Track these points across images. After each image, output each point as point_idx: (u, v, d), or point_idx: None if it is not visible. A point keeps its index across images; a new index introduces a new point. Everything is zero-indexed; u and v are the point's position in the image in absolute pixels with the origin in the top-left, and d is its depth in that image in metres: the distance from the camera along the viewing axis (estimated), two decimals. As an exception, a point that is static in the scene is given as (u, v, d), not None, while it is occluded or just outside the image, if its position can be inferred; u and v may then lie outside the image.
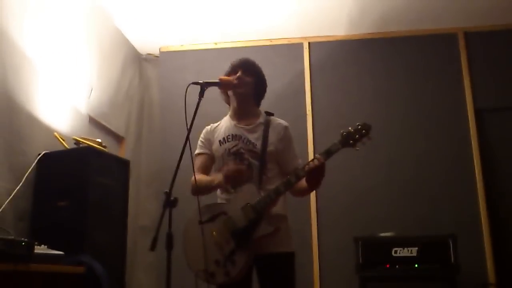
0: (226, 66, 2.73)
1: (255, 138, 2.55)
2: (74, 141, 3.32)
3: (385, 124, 4.46)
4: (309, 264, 4.27)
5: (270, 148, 2.53)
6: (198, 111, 2.33)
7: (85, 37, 3.90)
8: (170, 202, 2.18)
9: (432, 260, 3.70)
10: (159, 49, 4.88)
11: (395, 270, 3.80)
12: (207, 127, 2.73)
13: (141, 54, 5.03)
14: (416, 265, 3.71)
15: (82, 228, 3.00)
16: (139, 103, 4.66)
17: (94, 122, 4.01)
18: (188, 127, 2.29)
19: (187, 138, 2.29)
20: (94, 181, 3.16)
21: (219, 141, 2.60)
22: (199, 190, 2.40)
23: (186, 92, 2.24)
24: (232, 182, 2.44)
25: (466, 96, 4.47)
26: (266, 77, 2.76)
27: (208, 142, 2.66)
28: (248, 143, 2.54)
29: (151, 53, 5.02)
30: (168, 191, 2.20)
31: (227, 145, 2.57)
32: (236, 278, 2.31)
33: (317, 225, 4.34)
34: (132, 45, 4.84)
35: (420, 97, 4.53)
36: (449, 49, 4.59)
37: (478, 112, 4.45)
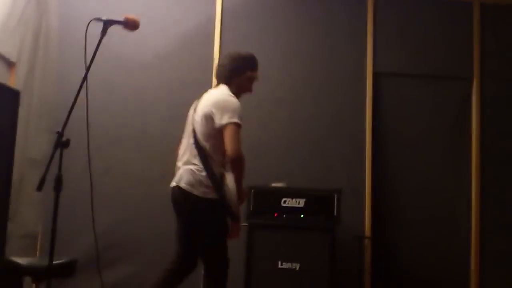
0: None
1: None
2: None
3: (291, 79, 4.57)
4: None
5: None
6: (99, 49, 2.24)
7: None
8: (61, 143, 2.12)
9: (317, 212, 3.91)
10: (61, -29, 4.53)
11: (282, 219, 4.00)
12: (238, 102, 2.89)
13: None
14: (301, 216, 3.91)
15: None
16: (35, 29, 4.33)
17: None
18: (87, 66, 2.20)
19: (85, 77, 2.20)
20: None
21: None
22: (242, 171, 2.88)
23: (87, 29, 2.13)
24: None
25: (367, 59, 4.64)
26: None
27: None
28: None
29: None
30: (60, 131, 2.13)
31: None
32: None
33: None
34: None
35: (326, 56, 4.63)
36: (357, 10, 4.68)
37: (376, 76, 4.65)
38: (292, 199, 3.95)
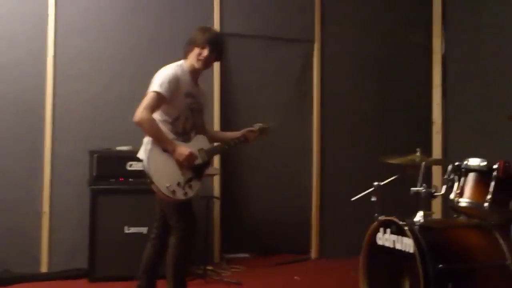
0: None
1: (201, 98, 3.14)
2: None
3: (134, 36, 4.39)
4: (39, 175, 4.10)
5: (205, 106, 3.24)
6: None
7: None
8: None
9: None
10: None
11: (127, 183, 3.91)
12: (177, 73, 2.97)
13: None
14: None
15: None
16: None
17: None
18: None
19: None
20: None
21: (184, 93, 2.99)
22: (152, 133, 2.90)
23: None
24: (185, 164, 2.91)
25: (214, 19, 4.60)
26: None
27: (173, 89, 2.93)
28: (198, 103, 3.11)
29: None
30: None
31: (188, 100, 3.01)
32: (190, 198, 2.96)
33: (52, 136, 4.14)
34: None
35: (171, 13, 4.49)
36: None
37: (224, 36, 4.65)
38: (138, 162, 3.85)
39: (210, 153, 3.11)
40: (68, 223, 4.10)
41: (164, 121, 2.97)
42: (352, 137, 4.92)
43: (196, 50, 3.02)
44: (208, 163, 3.10)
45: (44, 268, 4.06)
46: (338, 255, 4.58)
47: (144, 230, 3.83)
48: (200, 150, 3.03)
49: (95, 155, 3.90)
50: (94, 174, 3.88)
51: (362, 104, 4.98)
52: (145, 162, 2.89)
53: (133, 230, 3.88)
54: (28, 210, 4.07)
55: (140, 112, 2.85)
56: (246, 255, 4.65)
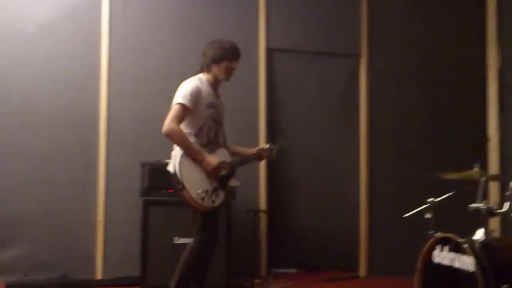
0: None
1: (221, 110, 3.27)
2: None
3: (181, 53, 4.46)
4: (94, 186, 4.22)
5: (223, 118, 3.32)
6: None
7: None
8: None
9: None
10: None
11: (176, 194, 3.94)
12: (198, 85, 3.10)
13: None
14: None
15: None
16: None
17: None
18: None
19: None
20: None
21: (206, 104, 3.11)
22: (180, 143, 3.01)
23: None
24: (212, 174, 3.05)
25: (260, 35, 4.64)
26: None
27: (196, 100, 3.06)
28: (220, 115, 3.23)
29: None
30: None
31: (210, 111, 3.13)
32: (217, 206, 3.08)
33: (106, 148, 4.26)
34: None
35: (218, 31, 4.57)
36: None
37: (269, 51, 4.68)
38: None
39: (232, 165, 3.20)
40: (121, 232, 4.21)
41: (188, 134, 3.07)
42: (401, 153, 4.79)
43: (225, 64, 3.18)
44: (231, 174, 3.20)
45: (99, 275, 4.17)
46: (388, 274, 4.47)
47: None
48: (223, 162, 3.13)
49: (147, 167, 3.97)
50: (146, 185, 3.95)
51: (411, 119, 4.85)
52: (176, 170, 2.99)
53: (182, 241, 3.90)
54: (84, 219, 4.20)
55: (168, 124, 2.98)
56: (293, 270, 4.62)
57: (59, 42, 4.26)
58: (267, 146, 3.49)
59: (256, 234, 4.26)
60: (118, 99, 4.32)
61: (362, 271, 4.68)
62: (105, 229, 4.20)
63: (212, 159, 3.04)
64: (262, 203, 4.50)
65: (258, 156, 3.42)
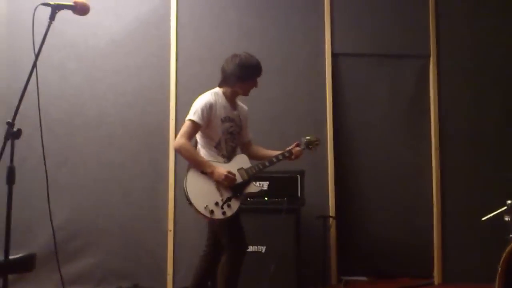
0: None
1: (240, 120, 3.25)
2: None
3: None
4: (164, 196, 4.32)
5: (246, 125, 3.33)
6: (48, 34, 2.14)
7: None
8: (12, 134, 2.01)
9: (281, 194, 3.92)
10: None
11: (246, 202, 3.97)
12: (210, 101, 3.07)
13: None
14: (266, 198, 3.91)
15: None
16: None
17: None
18: (36, 52, 2.08)
19: (34, 64, 2.09)
20: None
21: (221, 119, 3.10)
22: (188, 158, 3.02)
23: (34, 14, 2.02)
24: (225, 184, 2.99)
25: (326, 40, 4.62)
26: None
27: (208, 116, 3.05)
28: (238, 126, 3.21)
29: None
30: (11, 121, 2.03)
31: (226, 125, 3.12)
32: (229, 218, 2.99)
33: (175, 158, 4.33)
34: None
35: (283, 37, 4.61)
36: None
37: (334, 56, 4.65)
38: (256, 182, 3.92)
39: (249, 172, 3.13)
40: (190, 241, 4.25)
41: (209, 145, 3.10)
42: (474, 154, 4.63)
43: (251, 82, 3.17)
44: (248, 182, 3.13)
45: (169, 284, 4.24)
46: (464, 280, 4.31)
47: (262, 249, 3.87)
48: (240, 169, 3.09)
49: (216, 176, 4.02)
50: (215, 194, 4.00)
51: (483, 119, 4.69)
52: (184, 185, 2.98)
53: (251, 248, 3.92)
54: (155, 228, 4.30)
55: (177, 140, 3.03)
56: (364, 278, 4.53)
57: (129, 55, 4.42)
58: (294, 145, 3.35)
59: (326, 241, 4.22)
60: (186, 109, 4.37)
61: (436, 278, 4.53)
62: (174, 238, 4.28)
63: (222, 169, 2.99)
64: (332, 209, 4.46)
65: (288, 155, 3.29)
